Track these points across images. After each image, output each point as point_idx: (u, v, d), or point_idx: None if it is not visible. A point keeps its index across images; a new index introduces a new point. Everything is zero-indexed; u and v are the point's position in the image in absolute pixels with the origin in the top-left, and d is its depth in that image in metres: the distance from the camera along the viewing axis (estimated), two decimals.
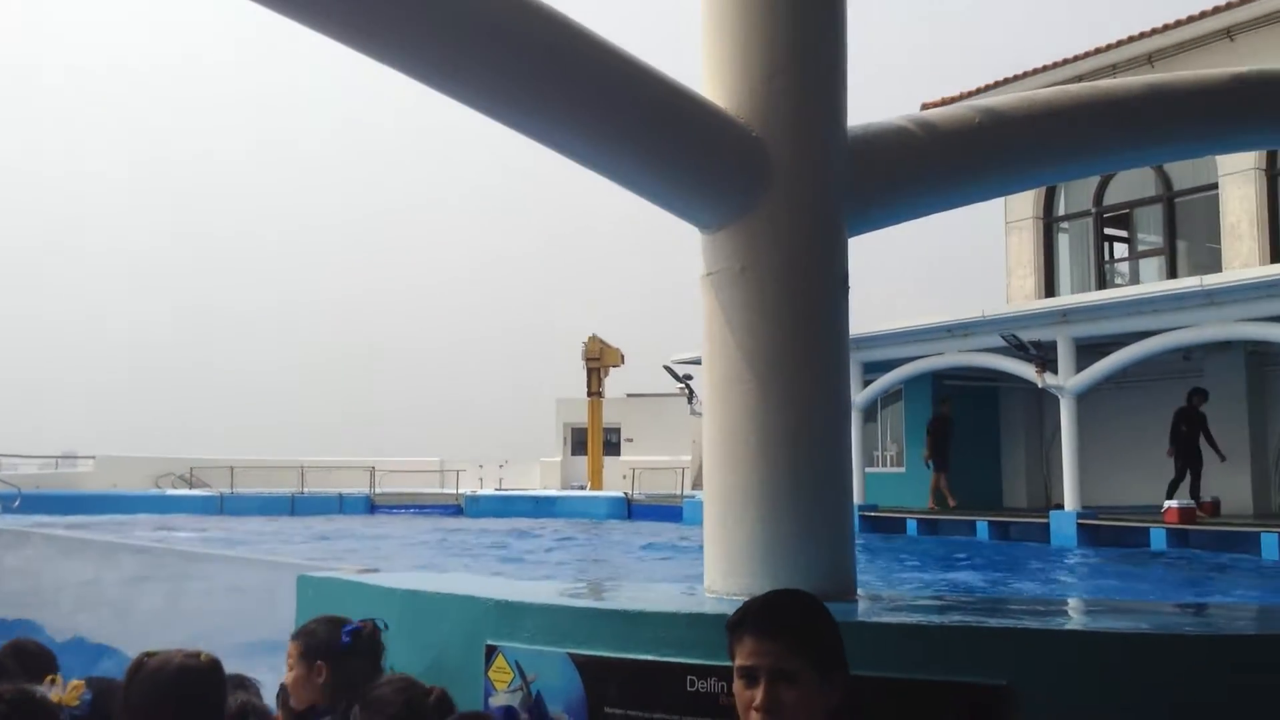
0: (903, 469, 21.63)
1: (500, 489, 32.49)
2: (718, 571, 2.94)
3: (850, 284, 3.16)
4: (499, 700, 2.71)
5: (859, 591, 2.98)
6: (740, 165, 2.98)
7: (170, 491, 30.24)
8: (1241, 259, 17.64)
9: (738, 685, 1.98)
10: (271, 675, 3.77)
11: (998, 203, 22.09)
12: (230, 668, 2.51)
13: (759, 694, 1.94)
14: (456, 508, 28.11)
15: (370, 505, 28.61)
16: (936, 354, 19.22)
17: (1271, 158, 17.85)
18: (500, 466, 36.87)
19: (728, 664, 2.42)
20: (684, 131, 2.90)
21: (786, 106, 3.02)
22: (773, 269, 2.95)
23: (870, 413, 21.50)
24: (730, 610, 2.64)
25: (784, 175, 2.99)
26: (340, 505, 28.08)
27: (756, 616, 2.01)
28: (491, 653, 2.80)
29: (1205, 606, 4.08)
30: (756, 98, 3.01)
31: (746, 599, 2.81)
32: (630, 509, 25.93)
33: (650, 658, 2.55)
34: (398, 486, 30.30)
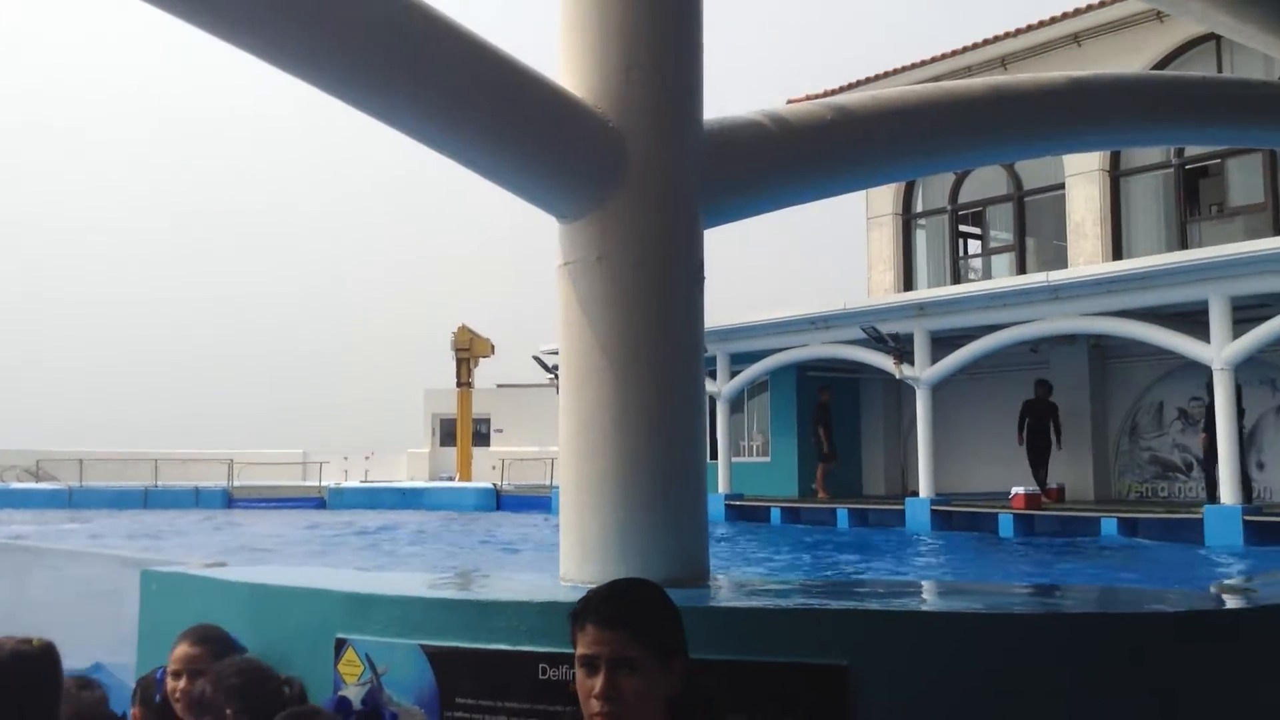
0: (768, 459, 22.04)
1: (366, 481, 31.91)
2: (573, 560, 2.95)
3: (705, 275, 3.20)
4: (348, 694, 2.67)
5: (712, 577, 3.03)
6: (596, 155, 2.99)
7: (15, 485, 28.81)
8: (1085, 256, 18.49)
9: (579, 674, 2.00)
10: (117, 670, 3.64)
11: (860, 199, 22.68)
12: (73, 662, 2.42)
13: (599, 683, 1.96)
14: (319, 501, 27.52)
15: (228, 499, 27.78)
16: (800, 345, 19.64)
17: (1115, 160, 18.75)
18: (366, 458, 36.24)
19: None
20: (539, 120, 2.89)
21: (643, 98, 3.04)
22: (629, 259, 2.97)
23: (737, 404, 21.84)
24: None
25: (640, 166, 3.01)
26: (196, 499, 27.20)
27: (598, 606, 2.03)
28: (341, 646, 2.76)
29: (1041, 587, 4.27)
30: (614, 89, 3.02)
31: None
32: (499, 500, 25.79)
33: (503, 647, 2.54)
34: (257, 480, 29.47)
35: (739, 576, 4.68)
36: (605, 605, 2.03)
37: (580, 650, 2.00)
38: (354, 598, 2.79)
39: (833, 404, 20.51)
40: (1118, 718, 2.33)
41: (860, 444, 21.92)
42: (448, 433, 35.37)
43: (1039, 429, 17.40)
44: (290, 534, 18.60)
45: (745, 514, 19.68)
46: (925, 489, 17.27)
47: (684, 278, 3.06)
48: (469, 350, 33.34)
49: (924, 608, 2.59)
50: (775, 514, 19.17)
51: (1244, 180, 17.58)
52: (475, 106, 2.78)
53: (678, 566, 2.85)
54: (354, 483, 30.76)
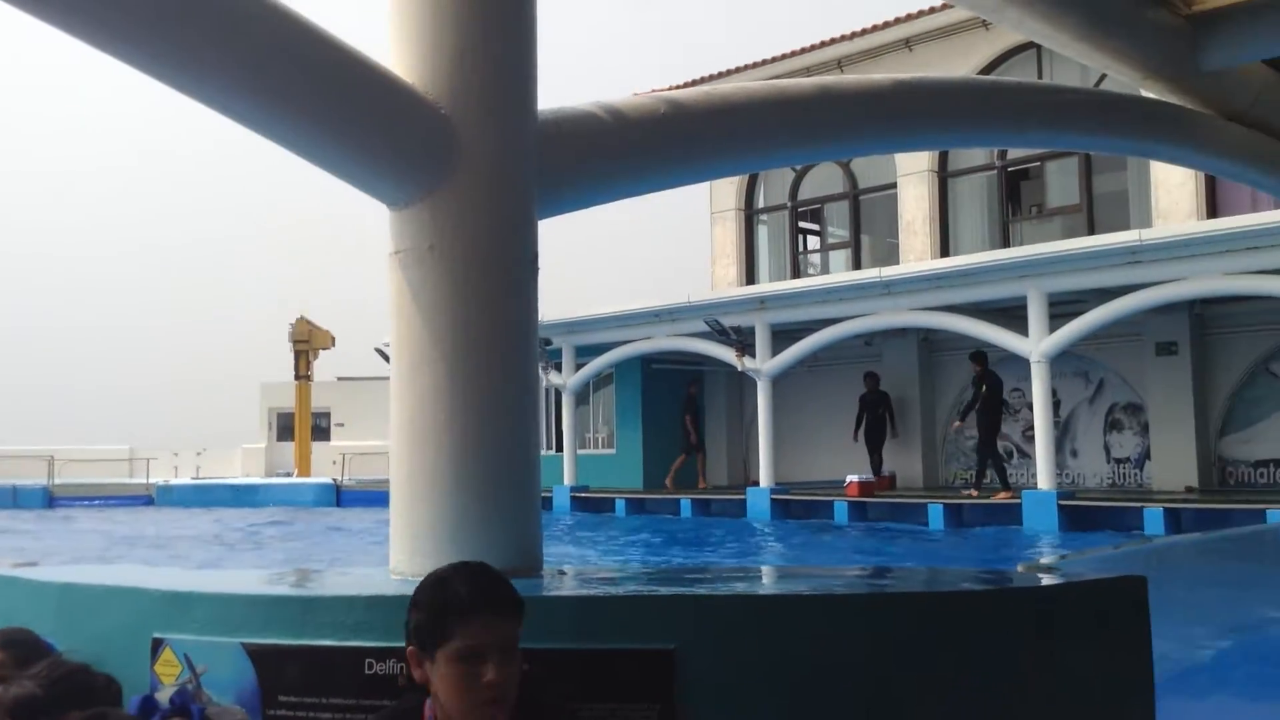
0: (613, 451, 22.19)
1: (197, 478, 30.72)
2: (403, 553, 2.92)
3: (541, 265, 3.21)
4: (159, 695, 2.58)
5: (546, 567, 3.04)
6: (426, 141, 2.95)
7: None
8: (916, 253, 19.24)
9: (455, 669, 1.94)
10: None
11: (703, 195, 23.04)
12: None
13: (491, 671, 1.93)
14: (147, 498, 26.38)
15: (49, 498, 26.35)
16: (645, 338, 19.83)
17: (943, 161, 19.56)
18: (198, 454, 34.87)
19: (404, 646, 2.41)
20: (366, 104, 2.84)
21: (476, 85, 3.02)
22: (460, 248, 2.95)
23: (583, 396, 21.91)
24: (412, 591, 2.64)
25: (472, 154, 2.98)
26: (14, 498, 25.68)
27: (489, 595, 1.99)
28: (158, 646, 2.65)
29: (864, 569, 4.43)
30: (445, 75, 2.99)
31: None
32: (339, 495, 25.20)
33: (328, 643, 2.49)
34: (81, 477, 28.02)
35: (572, 566, 4.71)
36: (495, 592, 2.00)
37: (464, 642, 1.95)
38: (171, 596, 2.69)
39: (664, 398, 20.84)
40: (936, 692, 2.44)
41: (703, 435, 22.27)
42: (285, 427, 34.34)
43: (875, 420, 18.06)
44: (118, 532, 17.79)
45: (590, 505, 19.78)
46: (765, 479, 17.69)
47: (517, 267, 3.05)
48: (308, 342, 32.44)
49: (750, 591, 2.66)
50: (620, 505, 19.32)
51: (1061, 182, 18.58)
52: (297, 89, 2.71)
53: (510, 556, 2.84)
54: (185, 480, 29.56)
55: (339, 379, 36.11)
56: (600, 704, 2.36)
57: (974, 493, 15.90)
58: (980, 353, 15.95)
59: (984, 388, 15.72)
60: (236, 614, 2.61)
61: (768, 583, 3.00)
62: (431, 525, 2.85)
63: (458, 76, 2.99)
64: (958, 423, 17.09)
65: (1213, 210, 16.20)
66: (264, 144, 2.91)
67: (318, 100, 2.77)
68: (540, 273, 3.23)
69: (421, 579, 2.73)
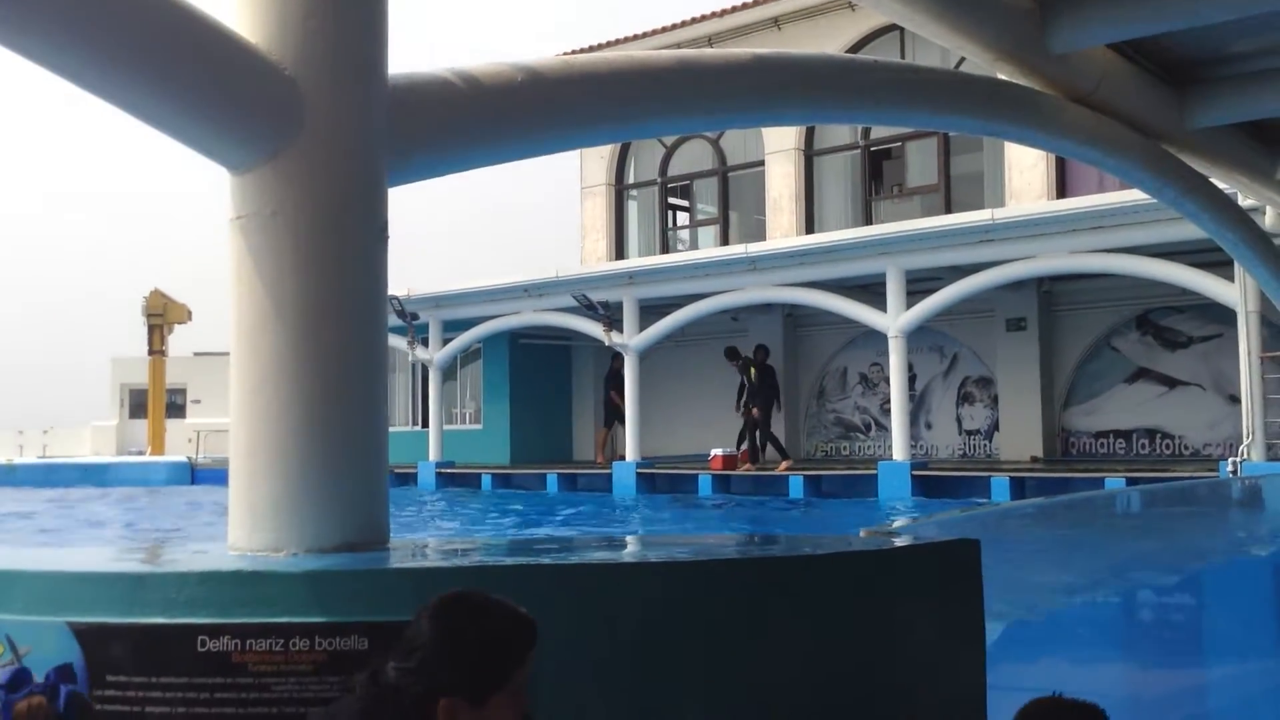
0: (480, 426, 22.03)
1: (43, 457, 29.35)
2: (242, 528, 2.82)
3: (390, 233, 3.13)
4: None
5: (393, 541, 2.99)
6: (269, 103, 2.85)
7: None
8: (782, 230, 19.57)
9: (510, 706, 1.86)
10: None
11: (574, 170, 22.96)
12: None
13: (523, 704, 1.90)
14: None
15: None
16: (514, 313, 19.71)
17: (809, 140, 19.90)
18: (44, 433, 33.32)
19: (240, 621, 2.35)
20: (204, 63, 2.72)
21: (322, 48, 2.92)
22: (305, 214, 2.86)
23: (449, 371, 21.67)
24: (253, 566, 2.56)
25: (318, 118, 2.89)
26: None
27: (531, 624, 1.92)
28: None
29: (711, 537, 4.52)
30: (290, 36, 2.89)
31: (273, 555, 2.74)
32: (194, 474, 24.41)
33: (160, 620, 2.40)
34: None
35: (419, 539, 4.66)
36: (532, 625, 1.92)
37: (521, 681, 1.88)
38: None
39: (531, 373, 20.83)
40: (776, 653, 2.49)
41: (571, 410, 22.30)
42: (138, 404, 33.08)
43: (761, 391, 18.05)
44: None
45: (457, 481, 19.62)
46: (631, 453, 17.81)
47: (366, 235, 2.97)
48: (162, 316, 31.26)
49: (596, 560, 2.67)
50: (487, 481, 19.21)
51: (921, 163, 19.12)
52: (129, 46, 2.58)
53: (355, 530, 2.79)
54: (29, 459, 28.21)
55: (195, 354, 34.92)
56: None
57: (750, 466, 16.53)
58: (731, 348, 17.43)
59: (752, 374, 16.99)
60: (62, 592, 2.49)
61: (615, 552, 3.01)
62: (273, 499, 2.77)
63: (303, 37, 2.89)
64: (752, 411, 17.51)
65: (1062, 191, 16.90)
66: (111, 112, 2.77)
67: (152, 59, 2.64)
68: (400, 244, 3.17)
69: (261, 554, 2.66)
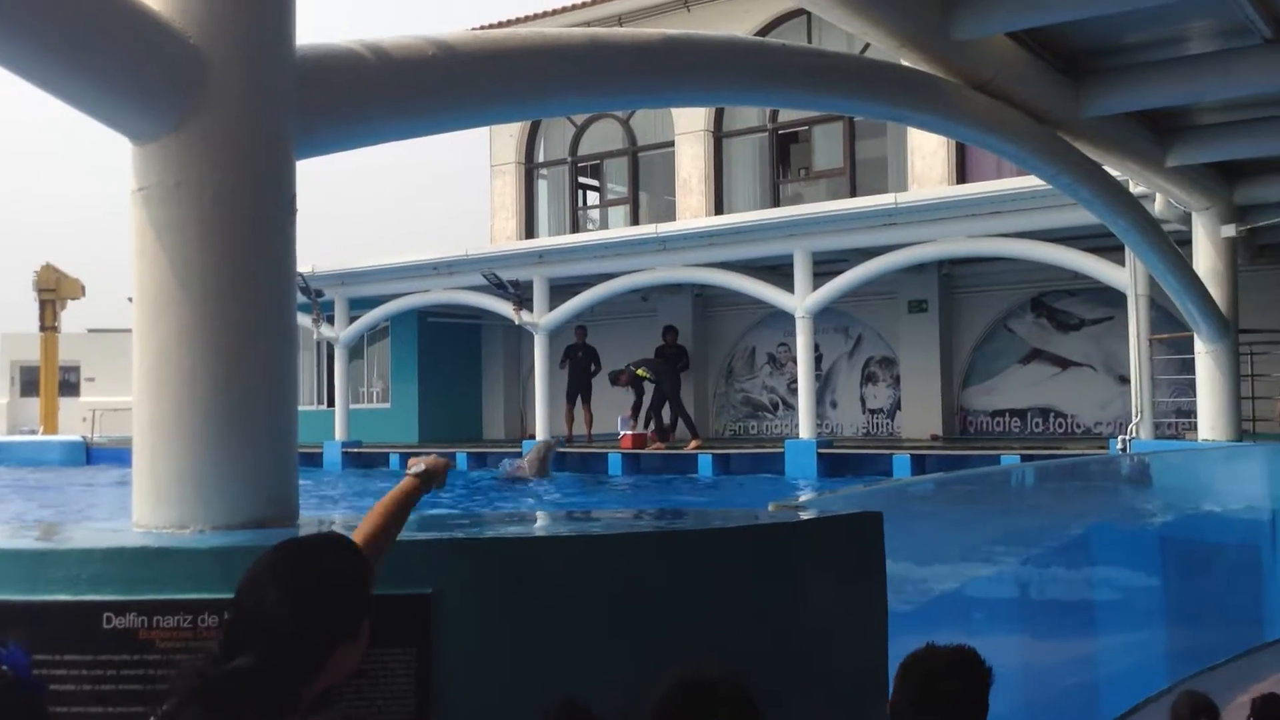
0: (388, 405, 21.78)
1: None
2: (147, 504, 2.78)
3: (298, 207, 3.10)
4: None
5: (302, 517, 2.97)
6: (173, 73, 2.79)
7: None
8: (692, 210, 19.67)
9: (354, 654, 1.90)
10: None
11: (484, 147, 22.75)
12: None
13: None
14: None
15: None
16: (422, 291, 19.50)
17: (718, 121, 20.01)
18: None
19: (146, 598, 2.32)
20: (105, 30, 2.66)
21: (227, 17, 2.87)
22: (210, 185, 2.81)
23: (356, 350, 21.37)
24: (158, 543, 2.53)
25: (223, 89, 2.84)
26: None
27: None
28: None
29: (626, 513, 4.57)
30: (195, 4, 2.83)
31: (179, 531, 2.70)
32: (89, 453, 23.70)
33: (63, 598, 2.36)
34: None
35: (330, 515, 4.62)
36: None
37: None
38: None
39: (442, 352, 20.69)
40: (683, 624, 2.55)
41: (481, 389, 22.18)
42: (30, 382, 31.96)
43: (670, 372, 18.05)
44: None
45: (363, 461, 19.39)
46: (541, 432, 17.79)
47: (272, 208, 2.94)
48: (55, 291, 30.13)
49: (502, 534, 2.69)
50: (395, 460, 19.01)
51: (827, 146, 19.37)
52: (24, 7, 2.51)
53: (263, 507, 2.77)
54: None
55: (90, 331, 33.86)
56: None
57: (660, 445, 16.72)
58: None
59: (645, 374, 17.31)
60: None
61: (523, 526, 3.04)
62: (178, 476, 2.73)
63: (208, 7, 2.84)
64: (651, 431, 17.57)
65: (962, 176, 17.29)
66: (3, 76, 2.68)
67: (49, 23, 2.57)
68: (306, 218, 3.13)
69: (166, 531, 2.62)
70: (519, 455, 16.55)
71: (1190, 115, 8.95)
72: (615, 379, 17.67)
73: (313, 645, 1.75)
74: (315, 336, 20.67)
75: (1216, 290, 10.60)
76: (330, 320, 20.29)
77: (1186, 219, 11.09)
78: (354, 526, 2.37)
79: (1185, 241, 10.84)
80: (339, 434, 19.87)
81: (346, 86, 3.20)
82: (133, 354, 2.87)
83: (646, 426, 17.48)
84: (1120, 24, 7.02)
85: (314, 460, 19.30)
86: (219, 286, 2.78)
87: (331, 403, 21.00)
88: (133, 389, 2.88)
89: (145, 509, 2.78)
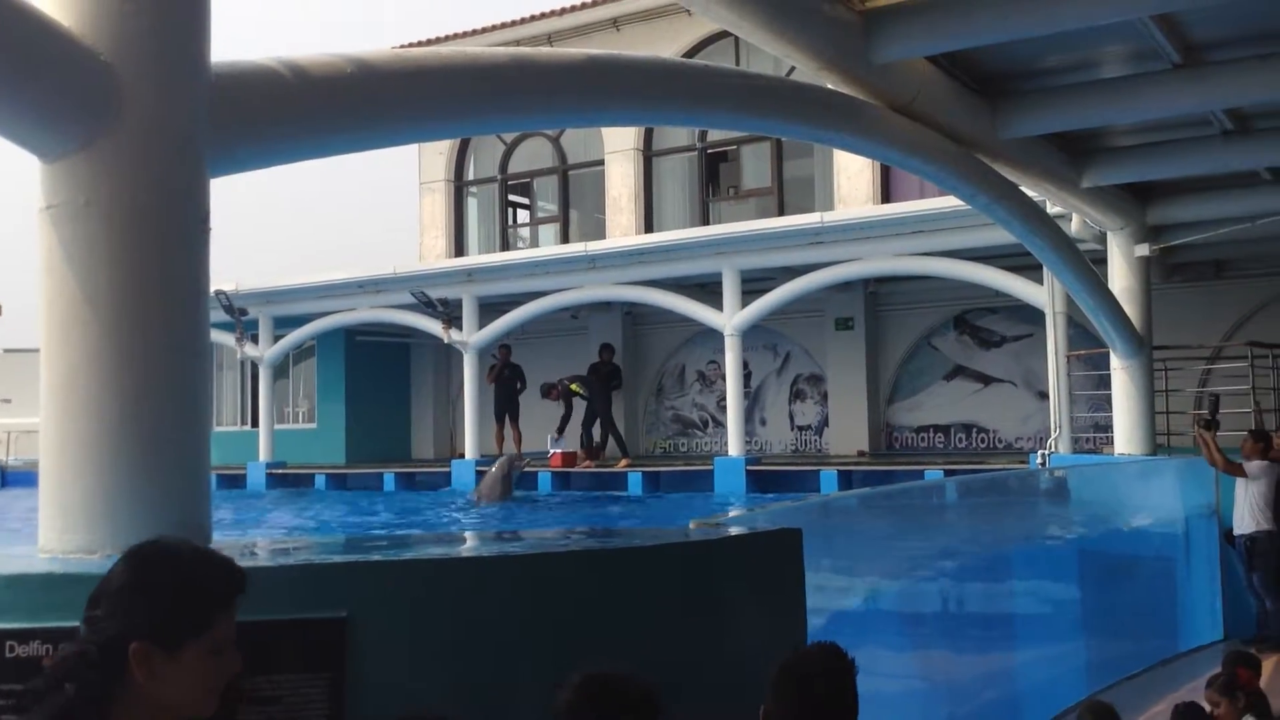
0: (314, 425, 21.47)
1: None
2: (54, 530, 2.71)
3: (212, 226, 3.05)
4: None
5: (214, 541, 2.92)
6: (82, 89, 2.75)
7: None
8: (622, 229, 19.73)
9: (215, 662, 1.77)
10: None
11: (413, 165, 22.60)
12: None
13: (237, 659, 1.82)
14: None
15: None
16: (349, 309, 19.29)
17: (648, 140, 20.12)
18: None
19: (49, 626, 2.26)
20: (10, 45, 2.60)
21: (140, 33, 2.83)
22: (121, 204, 2.76)
23: (281, 369, 21.05)
24: (64, 569, 2.46)
25: (135, 105, 2.80)
26: None
27: (239, 575, 1.82)
28: None
29: (549, 532, 4.56)
30: (106, 21, 2.79)
31: (86, 556, 2.64)
32: (4, 476, 23.04)
33: None
34: None
35: (243, 539, 4.55)
36: (240, 572, 1.84)
37: (224, 633, 1.79)
38: None
39: (373, 371, 20.51)
40: (602, 642, 2.55)
41: (410, 408, 21.97)
42: None
43: (602, 390, 18.01)
44: None
45: (289, 482, 19.08)
46: (471, 450, 17.67)
47: (185, 227, 2.89)
48: None
49: (420, 556, 2.67)
50: (321, 480, 18.75)
51: (755, 166, 19.58)
52: None
53: (174, 530, 2.68)
54: None
55: (6, 350, 32.91)
56: (269, 676, 2.30)
57: (590, 463, 16.77)
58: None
59: (577, 389, 17.55)
60: None
61: (442, 547, 3.02)
62: (86, 499, 2.67)
63: (119, 23, 2.80)
64: (581, 449, 17.59)
65: (887, 196, 17.58)
66: None
67: None
68: (227, 237, 3.08)
69: (74, 557, 2.56)
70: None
71: (1104, 137, 9.20)
72: (547, 391, 17.61)
73: (139, 624, 1.73)
74: (239, 356, 20.34)
75: (1131, 308, 10.88)
76: (255, 339, 19.97)
77: (1102, 238, 11.38)
78: (273, 549, 2.35)
79: (1101, 260, 11.11)
80: (263, 455, 19.54)
81: (262, 104, 3.17)
82: (41, 375, 2.80)
83: (581, 445, 17.47)
84: (1036, 49, 7.20)
85: (238, 482, 18.96)
86: (129, 306, 2.73)
87: (256, 423, 20.66)
88: (42, 410, 2.81)
89: (52, 534, 2.71)
